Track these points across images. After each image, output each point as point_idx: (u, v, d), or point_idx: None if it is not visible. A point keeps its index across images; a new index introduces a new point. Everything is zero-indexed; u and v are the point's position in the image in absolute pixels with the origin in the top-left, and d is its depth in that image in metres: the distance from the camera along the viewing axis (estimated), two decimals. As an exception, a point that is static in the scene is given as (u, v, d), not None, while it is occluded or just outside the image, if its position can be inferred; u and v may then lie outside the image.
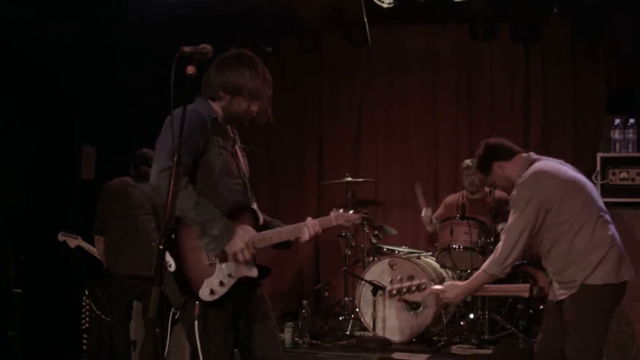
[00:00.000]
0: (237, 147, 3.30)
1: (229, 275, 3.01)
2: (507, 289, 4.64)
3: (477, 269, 4.22)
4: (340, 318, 6.76)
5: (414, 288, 4.03)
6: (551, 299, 3.94)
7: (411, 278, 4.19)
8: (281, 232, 3.22)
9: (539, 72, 7.40)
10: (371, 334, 6.06)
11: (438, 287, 4.10)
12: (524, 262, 4.23)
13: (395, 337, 5.98)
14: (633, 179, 4.75)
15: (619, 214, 4.73)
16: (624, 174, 4.77)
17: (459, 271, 6.05)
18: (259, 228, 3.16)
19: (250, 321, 3.20)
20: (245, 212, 3.16)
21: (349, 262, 6.84)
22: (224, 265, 3.02)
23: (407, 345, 5.88)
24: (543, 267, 4.03)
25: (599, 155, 4.91)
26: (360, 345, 5.81)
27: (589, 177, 4.99)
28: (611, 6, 6.69)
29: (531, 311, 5.85)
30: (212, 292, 2.98)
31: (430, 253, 6.40)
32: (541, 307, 5.55)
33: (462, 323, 6.09)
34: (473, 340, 5.77)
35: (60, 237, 5.52)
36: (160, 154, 2.94)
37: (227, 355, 3.07)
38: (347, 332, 6.24)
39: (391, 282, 3.80)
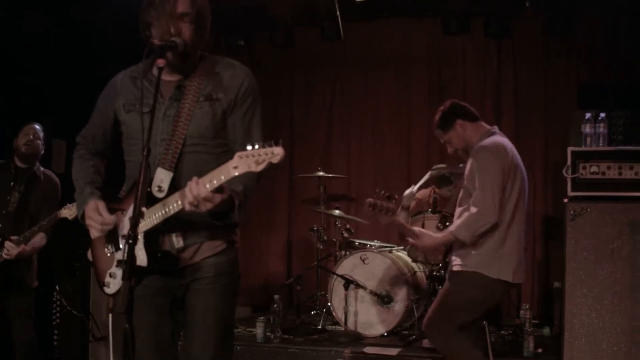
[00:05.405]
0: (182, 102, 2.76)
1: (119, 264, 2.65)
2: None
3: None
4: (312, 312, 6.74)
5: (384, 211, 3.96)
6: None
7: (391, 199, 4.10)
8: (166, 203, 2.56)
9: (510, 67, 7.43)
10: (343, 329, 6.04)
11: (412, 228, 4.08)
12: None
13: (366, 331, 5.96)
14: (603, 173, 4.76)
15: (589, 207, 4.78)
16: (594, 168, 4.78)
17: (430, 264, 6.04)
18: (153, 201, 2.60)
19: (185, 316, 2.80)
20: (133, 186, 2.71)
21: (320, 256, 6.82)
22: (118, 254, 2.71)
23: (378, 339, 5.88)
24: None
25: (570, 149, 4.91)
26: (332, 340, 5.78)
27: (559, 171, 5.04)
28: (583, 2, 6.74)
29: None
30: (105, 284, 2.74)
31: (402, 247, 6.40)
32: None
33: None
34: (444, 334, 5.78)
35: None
36: None
37: (142, 348, 2.61)
38: (319, 327, 6.20)
39: (375, 196, 3.77)
